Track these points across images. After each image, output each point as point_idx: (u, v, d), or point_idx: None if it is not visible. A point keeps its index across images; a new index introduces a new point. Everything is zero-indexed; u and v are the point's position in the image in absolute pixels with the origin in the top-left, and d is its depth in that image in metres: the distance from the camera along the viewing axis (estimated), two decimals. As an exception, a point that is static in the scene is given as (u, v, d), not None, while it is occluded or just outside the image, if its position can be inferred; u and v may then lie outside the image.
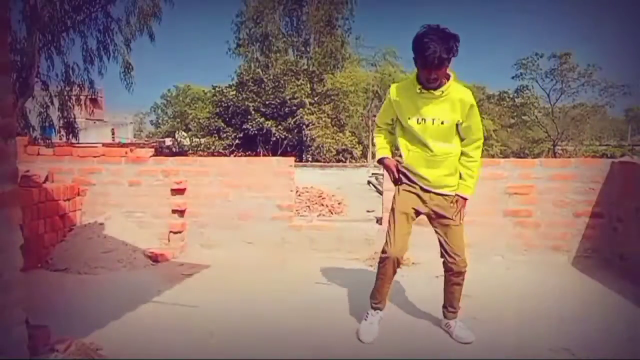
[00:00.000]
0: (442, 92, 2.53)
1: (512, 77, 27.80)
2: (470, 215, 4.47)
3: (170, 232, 4.71)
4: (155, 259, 4.37)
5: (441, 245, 2.77)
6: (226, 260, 4.45)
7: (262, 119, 22.83)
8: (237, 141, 23.43)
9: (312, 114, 22.42)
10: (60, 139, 19.11)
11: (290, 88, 22.95)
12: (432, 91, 2.54)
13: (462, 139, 2.70)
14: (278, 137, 22.81)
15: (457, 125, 2.63)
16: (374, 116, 24.46)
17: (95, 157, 4.85)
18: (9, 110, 2.00)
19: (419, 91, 2.56)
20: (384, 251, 2.73)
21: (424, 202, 2.72)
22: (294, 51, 27.48)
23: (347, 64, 27.71)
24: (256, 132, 23.12)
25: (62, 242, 4.42)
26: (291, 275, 4.00)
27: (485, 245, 4.48)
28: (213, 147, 23.07)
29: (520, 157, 22.16)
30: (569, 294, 3.61)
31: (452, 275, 2.81)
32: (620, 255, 4.12)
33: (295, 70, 24.57)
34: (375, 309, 2.86)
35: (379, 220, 4.69)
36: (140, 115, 55.48)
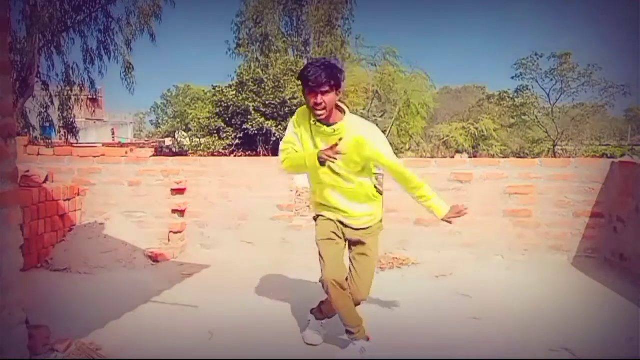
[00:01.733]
0: (334, 130, 2.42)
1: (512, 77, 27.79)
2: (470, 215, 4.48)
3: (170, 232, 4.71)
4: (155, 259, 4.38)
5: (350, 273, 2.62)
6: (226, 260, 4.46)
7: (262, 119, 22.80)
8: (237, 141, 23.39)
9: (313, 114, 22.37)
10: (60, 139, 19.11)
11: (290, 88, 22.92)
12: (325, 127, 2.43)
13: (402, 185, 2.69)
14: (278, 137, 22.78)
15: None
16: (374, 116, 24.49)
17: (95, 157, 4.85)
18: (9, 110, 2.00)
19: (313, 122, 2.46)
20: (321, 279, 2.55)
21: (342, 233, 2.61)
22: (294, 51, 27.45)
23: (347, 64, 27.69)
24: (256, 132, 23.09)
25: (62, 242, 4.42)
26: (291, 275, 4.00)
27: (485, 245, 4.49)
28: (213, 147, 23.03)
29: (520, 157, 22.17)
30: (569, 294, 3.61)
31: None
32: (620, 255, 4.12)
33: (295, 70, 24.51)
34: (318, 319, 2.76)
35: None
36: (140, 115, 55.50)
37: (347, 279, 2.59)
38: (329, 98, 2.36)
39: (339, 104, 2.47)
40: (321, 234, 2.61)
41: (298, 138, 2.56)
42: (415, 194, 2.75)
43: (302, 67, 2.45)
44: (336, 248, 2.58)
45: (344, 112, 2.50)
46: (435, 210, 2.80)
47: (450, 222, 2.80)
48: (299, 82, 2.46)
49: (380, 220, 2.69)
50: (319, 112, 2.38)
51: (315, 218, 2.70)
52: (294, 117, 2.63)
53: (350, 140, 2.43)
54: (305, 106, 2.57)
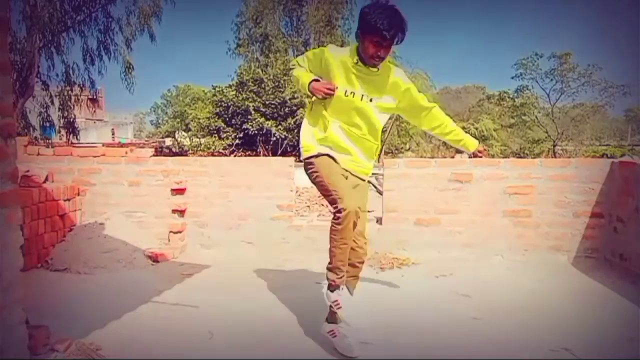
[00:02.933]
0: (378, 69, 2.41)
1: (512, 77, 27.85)
2: (470, 215, 4.51)
3: (170, 232, 4.71)
4: (155, 259, 4.37)
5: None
6: (226, 260, 4.45)
7: (262, 119, 22.81)
8: (237, 141, 23.41)
9: (312, 114, 22.37)
10: (60, 139, 19.12)
11: (290, 88, 22.92)
12: (368, 68, 2.41)
13: (422, 121, 2.69)
14: (278, 137, 22.80)
15: (386, 118, 2.57)
16: (374, 116, 24.49)
17: (95, 157, 4.85)
18: (9, 110, 2.00)
19: (355, 62, 2.41)
20: (338, 208, 2.36)
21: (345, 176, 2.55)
22: (294, 51, 27.44)
23: (347, 64, 27.66)
24: (256, 132, 23.10)
25: (62, 242, 4.42)
26: (291, 275, 4.01)
27: (485, 245, 4.48)
28: (213, 147, 23.05)
29: (520, 157, 22.17)
30: (569, 294, 3.61)
31: (356, 264, 2.60)
32: (620, 255, 4.12)
33: (295, 71, 24.52)
34: (337, 286, 2.51)
35: (379, 220, 4.69)
36: (140, 115, 55.55)
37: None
38: (390, 50, 2.34)
39: None
40: (332, 170, 2.48)
41: (314, 66, 2.55)
42: (444, 131, 2.72)
43: (373, 9, 2.27)
44: (349, 183, 2.51)
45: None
46: (469, 145, 2.76)
47: (480, 156, 2.76)
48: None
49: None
50: (375, 62, 2.35)
51: (312, 157, 2.53)
52: (328, 49, 2.53)
53: (389, 81, 2.45)
54: (341, 48, 2.57)
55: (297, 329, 2.88)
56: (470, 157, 2.79)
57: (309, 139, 2.59)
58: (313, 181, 2.58)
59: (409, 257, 4.47)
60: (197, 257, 4.55)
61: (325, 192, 2.49)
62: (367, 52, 2.35)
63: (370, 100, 2.47)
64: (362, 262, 2.65)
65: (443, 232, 4.55)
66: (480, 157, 2.78)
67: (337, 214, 2.40)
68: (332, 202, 2.45)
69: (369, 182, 2.83)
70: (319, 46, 27.04)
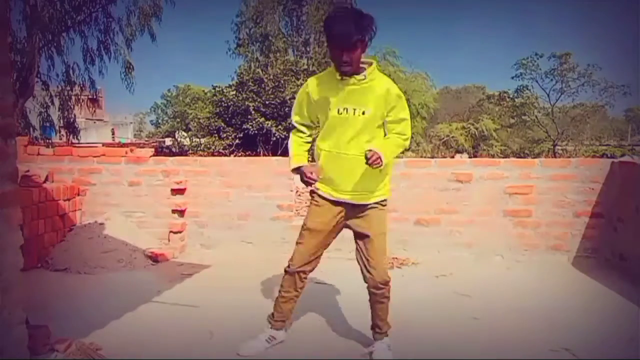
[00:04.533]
0: (365, 76, 2.30)
1: (512, 77, 27.80)
2: (470, 215, 4.51)
3: (170, 232, 4.71)
4: (155, 259, 4.38)
5: (360, 258, 2.50)
6: (226, 260, 4.46)
7: (262, 119, 22.80)
8: (237, 141, 23.39)
9: (312, 114, 22.39)
10: (60, 139, 19.10)
11: (290, 88, 22.91)
12: (354, 77, 2.30)
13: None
14: (278, 137, 22.77)
15: (383, 123, 2.41)
16: (374, 116, 24.51)
17: (95, 157, 4.85)
18: (9, 110, 2.00)
19: (339, 78, 2.31)
20: (287, 266, 2.60)
21: (341, 216, 2.47)
22: (294, 51, 27.44)
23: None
24: (256, 132, 23.10)
25: (62, 242, 4.42)
26: (291, 275, 4.00)
27: (485, 245, 4.49)
28: (213, 147, 23.03)
29: (520, 157, 22.16)
30: (569, 294, 3.61)
31: (372, 291, 2.50)
32: (620, 255, 4.12)
33: (295, 70, 24.54)
34: (271, 325, 2.67)
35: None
36: (140, 115, 55.54)
37: (358, 260, 2.54)
38: (357, 54, 2.23)
39: (364, 59, 2.33)
40: (311, 222, 2.54)
41: (305, 110, 2.51)
42: (391, 137, 2.50)
43: (327, 17, 2.29)
44: (317, 244, 2.54)
45: (370, 64, 2.36)
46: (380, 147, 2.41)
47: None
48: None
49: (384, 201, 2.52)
50: (345, 69, 2.26)
51: (310, 198, 2.56)
52: (310, 84, 2.46)
53: (379, 89, 2.33)
54: (317, 75, 2.52)
55: (297, 329, 2.87)
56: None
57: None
58: None
59: (409, 257, 4.47)
60: (197, 257, 4.55)
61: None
62: (334, 60, 2.30)
63: (363, 112, 2.34)
64: (377, 287, 2.46)
65: (443, 232, 4.55)
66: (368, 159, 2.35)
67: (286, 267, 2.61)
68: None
69: None
70: (319, 46, 27.06)
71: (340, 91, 2.35)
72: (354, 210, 2.46)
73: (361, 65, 2.33)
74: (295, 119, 2.64)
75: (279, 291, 2.64)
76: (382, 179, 2.44)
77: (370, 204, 2.44)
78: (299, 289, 2.60)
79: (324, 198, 2.47)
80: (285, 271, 2.59)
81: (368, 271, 2.46)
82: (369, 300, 2.55)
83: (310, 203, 2.55)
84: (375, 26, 2.23)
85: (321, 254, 2.59)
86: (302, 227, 2.56)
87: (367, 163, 2.23)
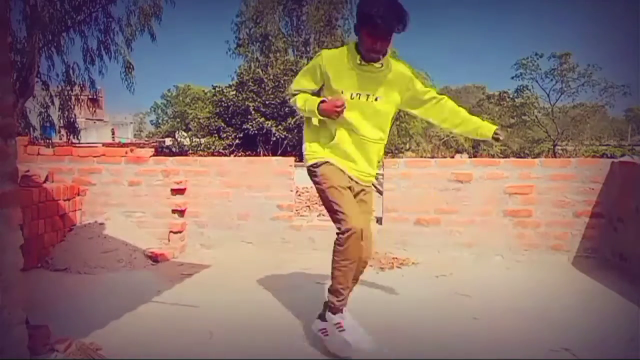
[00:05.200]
0: (382, 65, 2.33)
1: (512, 77, 27.89)
2: (470, 215, 4.51)
3: (170, 232, 4.71)
4: (155, 259, 4.38)
5: None
6: (226, 260, 4.46)
7: (262, 119, 22.83)
8: (237, 141, 23.43)
9: (312, 114, 22.38)
10: (61, 139, 19.11)
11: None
12: (373, 64, 2.32)
13: (426, 110, 2.59)
14: (278, 137, 22.81)
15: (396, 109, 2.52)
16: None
17: (95, 157, 4.85)
18: (9, 110, 2.00)
19: (359, 62, 2.32)
20: (342, 230, 2.29)
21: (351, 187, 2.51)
22: (294, 51, 27.45)
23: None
24: (256, 132, 23.12)
25: (62, 242, 4.42)
26: (291, 275, 4.00)
27: (485, 245, 4.49)
28: (213, 147, 23.06)
29: (520, 157, 22.16)
30: (569, 294, 3.61)
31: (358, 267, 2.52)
32: (620, 255, 4.12)
33: (295, 70, 24.55)
34: (338, 310, 2.42)
35: (379, 220, 4.69)
36: (140, 115, 55.60)
37: None
38: (390, 43, 2.27)
39: None
40: (336, 180, 2.39)
41: (318, 77, 2.43)
42: (455, 122, 2.59)
43: (372, 2, 2.21)
44: (354, 199, 2.43)
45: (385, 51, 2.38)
46: (485, 131, 2.56)
47: (499, 139, 2.56)
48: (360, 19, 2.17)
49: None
50: (374, 56, 2.27)
51: (317, 165, 2.46)
52: (324, 56, 2.42)
53: (394, 74, 2.38)
54: (336, 49, 2.50)
55: (297, 329, 2.87)
56: (493, 139, 2.59)
57: (314, 146, 2.53)
58: (317, 191, 2.52)
59: (409, 257, 4.47)
60: (197, 257, 4.55)
61: (329, 207, 2.41)
62: (365, 45, 2.27)
63: (376, 99, 2.40)
64: (366, 263, 2.62)
65: (443, 232, 4.55)
66: (500, 139, 2.56)
67: (340, 235, 2.32)
68: (335, 221, 2.36)
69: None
70: (319, 46, 27.11)
71: (356, 76, 2.36)
72: (357, 188, 2.53)
73: None
74: (295, 86, 2.57)
75: (342, 265, 2.35)
76: (377, 162, 2.58)
77: (368, 185, 2.56)
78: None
79: (339, 167, 2.46)
80: (346, 239, 2.29)
81: (343, 214, 2.45)
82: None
83: (325, 168, 2.46)
84: (409, 21, 2.25)
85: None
86: (327, 189, 2.39)
87: (499, 140, 2.48)
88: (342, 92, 2.37)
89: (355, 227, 2.27)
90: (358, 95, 2.38)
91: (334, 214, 2.37)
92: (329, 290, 2.46)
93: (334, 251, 2.36)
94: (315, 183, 2.51)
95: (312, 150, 2.53)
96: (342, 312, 2.44)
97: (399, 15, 2.20)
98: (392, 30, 2.20)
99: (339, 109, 2.28)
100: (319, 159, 2.48)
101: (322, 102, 2.36)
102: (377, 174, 2.66)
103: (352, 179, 2.50)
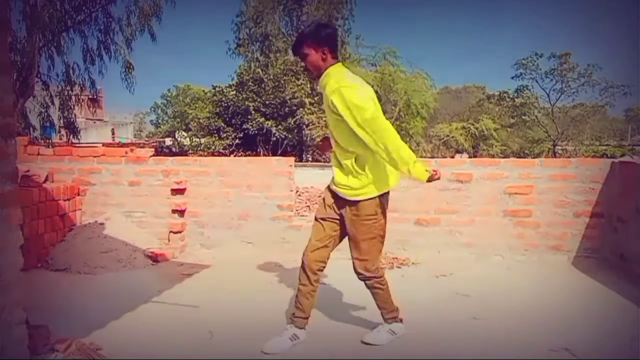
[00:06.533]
0: (319, 85, 2.55)
1: (512, 77, 27.86)
2: (470, 215, 4.51)
3: (170, 232, 4.71)
4: (155, 259, 4.38)
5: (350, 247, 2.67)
6: (226, 260, 4.46)
7: (262, 119, 22.84)
8: (237, 141, 23.44)
9: (312, 114, 22.40)
10: (61, 139, 19.10)
11: (290, 88, 22.95)
12: (319, 83, 2.55)
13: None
14: (278, 137, 22.82)
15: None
16: (374, 116, 24.56)
17: (95, 157, 4.85)
18: (9, 110, 2.00)
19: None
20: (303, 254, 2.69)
21: (336, 206, 2.60)
22: (294, 51, 27.43)
23: (347, 64, 27.74)
24: (256, 132, 23.13)
25: (62, 242, 4.42)
26: (291, 275, 4.00)
27: (485, 245, 4.49)
28: (213, 147, 23.06)
29: (520, 157, 22.16)
30: (569, 294, 3.61)
31: (361, 279, 2.68)
32: (620, 255, 4.12)
33: (295, 70, 24.57)
34: (292, 323, 2.70)
35: (379, 220, 4.69)
36: (141, 115, 55.58)
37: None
38: (309, 59, 2.48)
39: (332, 62, 2.48)
40: (317, 211, 2.74)
41: None
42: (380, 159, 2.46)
43: None
44: (321, 230, 2.64)
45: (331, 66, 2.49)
46: (419, 177, 2.41)
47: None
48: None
49: (369, 199, 2.50)
50: (309, 73, 2.61)
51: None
52: None
53: (327, 92, 2.44)
54: None
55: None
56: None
57: None
58: None
59: (409, 257, 4.47)
60: (197, 257, 4.55)
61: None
62: None
63: (325, 112, 2.63)
64: (363, 277, 2.68)
65: (443, 232, 4.55)
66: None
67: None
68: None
69: None
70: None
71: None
72: (343, 204, 2.57)
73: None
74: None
75: (298, 285, 2.69)
76: (360, 177, 2.48)
77: (355, 200, 2.52)
78: (313, 284, 2.63)
79: (327, 188, 2.69)
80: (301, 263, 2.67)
81: (353, 263, 2.65)
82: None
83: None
84: (321, 32, 2.46)
85: (329, 245, 2.64)
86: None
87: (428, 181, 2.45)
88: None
89: (303, 258, 2.65)
90: (323, 112, 2.69)
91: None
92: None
93: None
94: None
95: None
96: (296, 327, 2.69)
97: (297, 40, 2.55)
98: (295, 52, 2.55)
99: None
100: None
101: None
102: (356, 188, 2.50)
103: (335, 193, 2.60)
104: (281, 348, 2.61)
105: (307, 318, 2.68)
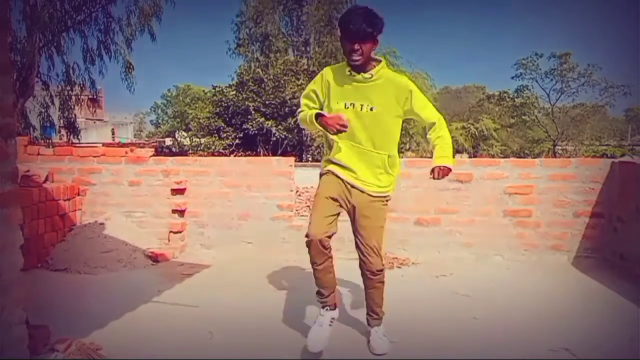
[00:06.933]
0: (372, 75, 2.44)
1: (512, 77, 27.90)
2: (470, 215, 4.51)
3: (170, 232, 4.71)
4: (155, 259, 4.38)
5: (357, 245, 2.59)
6: (226, 260, 4.46)
7: (262, 119, 22.86)
8: (237, 141, 23.46)
9: (312, 114, 22.40)
10: (61, 139, 19.12)
11: (290, 88, 22.96)
12: (362, 74, 2.44)
13: (425, 129, 2.64)
14: (278, 137, 22.83)
15: (401, 118, 2.54)
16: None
17: (95, 157, 4.85)
18: (9, 110, 2.00)
19: (348, 73, 2.46)
20: (306, 234, 2.47)
21: (347, 197, 2.54)
22: (294, 51, 27.45)
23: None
24: (256, 132, 23.14)
25: (62, 242, 4.42)
26: (291, 275, 4.00)
27: (485, 245, 4.49)
28: (213, 147, 23.08)
29: (520, 157, 22.16)
30: (569, 293, 3.61)
31: (367, 276, 2.59)
32: (620, 255, 4.13)
33: (295, 70, 24.59)
34: (323, 306, 2.60)
35: (379, 220, 4.69)
36: (141, 115, 55.65)
37: (357, 247, 2.59)
38: (367, 46, 2.38)
39: (374, 56, 2.50)
40: (324, 189, 2.52)
41: (319, 93, 2.56)
42: (435, 140, 2.60)
43: (344, 13, 2.46)
44: (330, 209, 2.49)
45: (380, 61, 2.51)
46: (436, 159, 2.55)
47: (433, 175, 2.55)
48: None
49: (387, 197, 2.60)
50: (355, 58, 2.39)
51: (320, 175, 2.61)
52: (321, 74, 2.60)
53: (387, 85, 2.46)
54: (331, 66, 2.64)
55: (297, 329, 2.87)
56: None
57: (325, 157, 2.67)
58: None
59: (409, 257, 4.47)
60: (197, 257, 4.55)
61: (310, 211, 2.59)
62: (345, 51, 2.43)
63: (371, 109, 2.46)
64: (374, 273, 2.56)
65: (443, 232, 4.55)
66: (433, 176, 2.55)
67: (305, 239, 2.49)
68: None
69: None
70: (319, 46, 27.00)
71: (350, 87, 2.48)
72: (361, 197, 2.53)
73: (371, 63, 2.47)
74: (304, 101, 2.66)
75: (312, 267, 2.52)
76: (389, 175, 2.56)
77: (376, 196, 2.53)
78: (329, 257, 2.50)
79: (337, 176, 2.54)
80: (307, 244, 2.47)
81: (365, 256, 2.55)
82: (364, 286, 2.66)
83: (321, 179, 2.61)
84: (382, 24, 2.42)
85: (335, 221, 2.53)
86: (315, 196, 2.59)
87: (434, 178, 2.50)
88: (337, 103, 2.48)
89: (311, 235, 2.42)
90: (352, 105, 2.47)
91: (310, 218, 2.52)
92: (316, 292, 2.62)
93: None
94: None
95: (323, 161, 2.67)
96: (329, 309, 2.59)
97: (368, 20, 2.36)
98: (361, 32, 2.34)
99: (338, 126, 2.36)
100: (323, 170, 2.62)
101: (321, 115, 2.46)
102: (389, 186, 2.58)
103: (355, 187, 2.52)
104: (325, 338, 2.50)
105: (333, 294, 2.60)
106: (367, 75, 2.44)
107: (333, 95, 2.51)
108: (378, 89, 2.46)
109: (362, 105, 2.46)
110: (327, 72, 2.58)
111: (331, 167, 2.56)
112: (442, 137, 2.57)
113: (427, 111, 2.56)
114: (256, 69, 25.54)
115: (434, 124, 2.57)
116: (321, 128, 2.48)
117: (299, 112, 2.64)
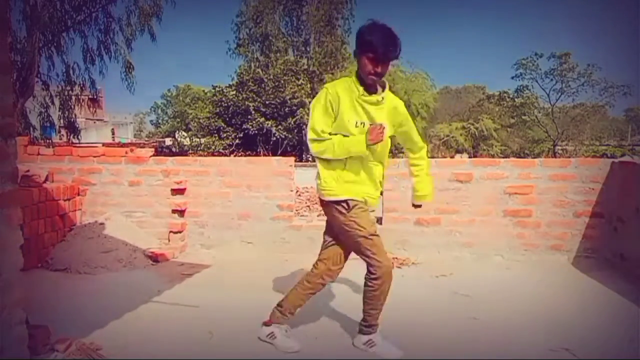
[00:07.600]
0: (382, 98, 2.48)
1: (512, 77, 27.91)
2: (470, 215, 4.51)
3: (170, 232, 4.71)
4: (155, 259, 4.38)
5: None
6: (226, 260, 4.46)
7: (262, 119, 22.89)
8: (237, 141, 23.48)
9: (312, 114, 22.41)
10: (61, 139, 19.11)
11: (290, 88, 22.99)
12: (375, 96, 2.46)
13: (409, 149, 2.77)
14: (278, 137, 22.85)
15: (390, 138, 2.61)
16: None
17: (95, 157, 4.85)
18: (9, 110, 2.00)
19: (361, 93, 2.43)
20: (377, 274, 2.47)
21: None
22: (294, 51, 27.47)
23: (347, 64, 27.71)
24: (256, 132, 23.17)
25: (62, 242, 4.42)
26: (291, 275, 4.00)
27: (485, 245, 4.49)
28: (213, 147, 23.09)
29: (520, 157, 22.16)
30: (569, 294, 3.61)
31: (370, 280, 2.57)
32: (620, 255, 4.13)
33: (295, 70, 24.62)
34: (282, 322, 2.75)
35: (379, 220, 4.69)
36: (141, 115, 55.69)
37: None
38: (387, 68, 2.43)
39: None
40: (368, 228, 2.50)
41: (335, 107, 2.44)
42: (414, 172, 2.82)
43: (372, 27, 2.37)
44: (381, 241, 2.56)
45: (384, 83, 2.54)
46: (417, 196, 2.88)
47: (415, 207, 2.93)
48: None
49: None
50: (374, 79, 2.42)
51: (346, 207, 2.49)
52: (332, 90, 2.45)
53: (390, 107, 2.54)
54: (337, 80, 2.60)
55: (296, 329, 2.87)
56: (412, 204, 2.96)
57: (330, 180, 2.53)
58: (341, 229, 2.55)
59: (409, 257, 4.47)
60: (197, 257, 4.55)
61: (360, 251, 2.53)
62: (365, 70, 2.39)
63: None
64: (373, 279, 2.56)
65: (443, 232, 4.55)
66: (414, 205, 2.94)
67: (375, 280, 2.50)
68: (369, 264, 2.51)
69: None
70: (319, 46, 26.93)
71: (361, 107, 2.47)
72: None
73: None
74: (320, 127, 2.46)
75: (369, 299, 2.59)
76: (380, 183, 2.71)
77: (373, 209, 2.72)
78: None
79: (365, 203, 2.57)
80: (380, 281, 2.50)
81: (377, 261, 2.51)
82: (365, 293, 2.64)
83: (357, 212, 2.51)
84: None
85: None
86: (367, 236, 2.49)
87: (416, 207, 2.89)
88: (348, 121, 2.46)
89: (388, 267, 2.51)
90: (362, 124, 2.47)
91: (367, 258, 2.52)
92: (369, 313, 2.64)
93: (372, 288, 2.54)
94: (343, 224, 2.52)
95: (330, 186, 2.53)
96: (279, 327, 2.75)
97: (395, 43, 2.36)
98: (390, 57, 2.37)
99: (382, 134, 2.43)
100: (339, 196, 2.51)
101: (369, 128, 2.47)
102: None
103: (365, 204, 2.59)
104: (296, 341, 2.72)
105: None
106: (379, 98, 2.48)
107: (344, 112, 2.44)
108: (383, 111, 2.53)
109: (370, 125, 2.47)
110: (333, 89, 2.46)
111: (352, 195, 2.50)
112: (423, 167, 2.78)
113: (417, 135, 2.73)
114: (256, 69, 25.55)
115: (422, 148, 2.74)
116: (369, 149, 2.46)
117: (321, 141, 2.46)
